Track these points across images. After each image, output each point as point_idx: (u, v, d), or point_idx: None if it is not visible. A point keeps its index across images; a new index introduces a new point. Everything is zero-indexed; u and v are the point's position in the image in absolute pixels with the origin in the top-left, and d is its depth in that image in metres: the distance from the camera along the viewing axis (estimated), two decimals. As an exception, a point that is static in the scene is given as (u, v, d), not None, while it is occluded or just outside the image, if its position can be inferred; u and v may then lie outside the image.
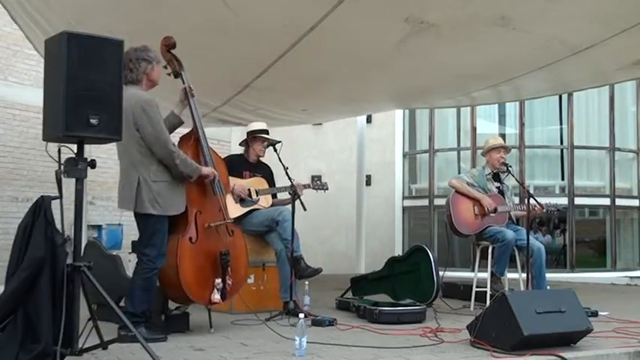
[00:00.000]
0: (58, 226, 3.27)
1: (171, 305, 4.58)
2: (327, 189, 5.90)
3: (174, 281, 4.21)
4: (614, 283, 10.00)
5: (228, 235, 4.47)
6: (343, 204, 12.87)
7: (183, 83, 4.45)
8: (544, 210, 5.78)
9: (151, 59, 4.23)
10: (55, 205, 3.23)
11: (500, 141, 6.20)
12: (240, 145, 5.96)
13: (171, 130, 4.39)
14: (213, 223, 4.37)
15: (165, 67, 4.44)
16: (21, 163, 10.37)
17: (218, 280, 4.28)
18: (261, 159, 5.83)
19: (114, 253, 5.47)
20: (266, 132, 5.77)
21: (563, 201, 12.56)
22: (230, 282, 4.34)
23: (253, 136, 5.74)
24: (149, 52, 4.24)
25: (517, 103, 12.55)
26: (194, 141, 4.45)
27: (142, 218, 4.14)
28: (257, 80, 7.04)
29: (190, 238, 4.27)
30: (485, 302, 5.52)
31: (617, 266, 13.34)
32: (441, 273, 5.96)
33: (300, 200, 5.29)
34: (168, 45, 4.40)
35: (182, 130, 4.57)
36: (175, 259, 4.19)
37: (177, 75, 4.48)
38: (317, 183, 5.91)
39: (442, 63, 6.67)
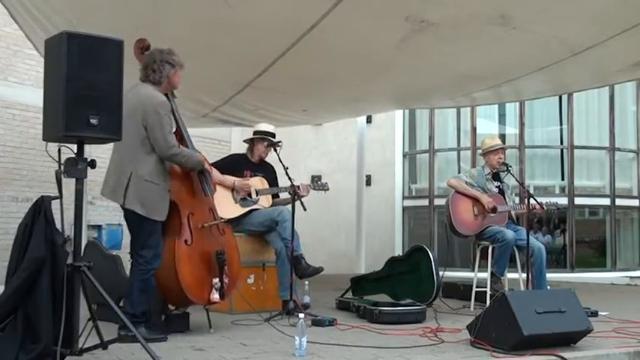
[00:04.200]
0: (58, 226, 3.27)
1: (171, 305, 4.57)
2: (327, 189, 5.89)
3: (174, 285, 4.20)
4: (614, 283, 9.99)
5: (220, 235, 4.48)
6: (343, 204, 12.87)
7: None
8: (544, 209, 5.78)
9: (174, 63, 4.26)
10: (55, 205, 3.23)
11: (497, 141, 6.20)
12: (244, 142, 5.95)
13: None
14: (207, 223, 4.38)
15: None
16: (21, 163, 10.36)
17: (215, 280, 4.29)
18: (263, 159, 5.84)
19: (114, 253, 5.46)
20: (272, 135, 5.77)
21: (563, 201, 12.55)
22: (227, 280, 4.35)
23: (258, 137, 5.74)
24: (174, 56, 4.26)
25: (517, 103, 12.54)
26: (179, 140, 4.41)
27: (135, 218, 4.11)
28: (257, 80, 7.04)
29: (186, 241, 4.27)
30: (486, 302, 5.52)
31: (617, 266, 13.32)
32: (440, 273, 5.96)
33: (301, 200, 5.28)
34: (143, 48, 4.38)
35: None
36: (173, 263, 4.18)
37: None
38: (317, 184, 5.90)
39: (442, 63, 6.67)
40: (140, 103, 4.04)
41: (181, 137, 4.42)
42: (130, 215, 4.14)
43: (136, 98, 4.05)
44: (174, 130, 4.35)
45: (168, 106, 4.19)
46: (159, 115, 4.08)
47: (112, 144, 4.14)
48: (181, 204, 4.31)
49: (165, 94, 4.37)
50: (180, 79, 4.33)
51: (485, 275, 5.80)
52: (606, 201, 13.51)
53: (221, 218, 4.60)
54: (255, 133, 5.81)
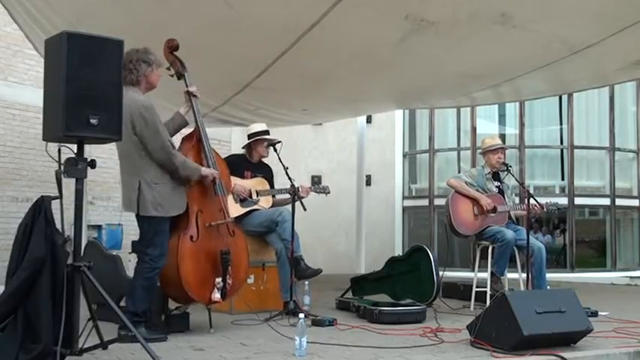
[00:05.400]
0: (58, 226, 3.27)
1: (171, 305, 4.58)
2: (328, 192, 5.89)
3: (175, 280, 4.21)
4: (614, 283, 10.00)
5: (229, 235, 4.48)
6: (343, 204, 12.87)
7: (187, 85, 4.48)
8: (544, 209, 5.78)
9: (151, 62, 4.23)
10: (55, 205, 3.23)
11: (497, 141, 6.19)
12: (242, 148, 5.96)
13: (177, 131, 4.44)
14: (214, 222, 4.39)
15: (169, 69, 4.48)
16: (21, 163, 10.36)
17: (218, 280, 4.29)
18: (262, 159, 5.84)
19: (114, 253, 5.46)
20: (267, 132, 5.78)
21: (563, 201, 12.56)
22: (230, 281, 4.35)
23: (256, 139, 5.74)
24: (150, 54, 4.24)
25: (517, 103, 12.55)
26: (196, 141, 4.48)
27: (144, 220, 4.15)
28: (257, 80, 7.04)
29: (191, 237, 4.28)
30: (485, 302, 5.52)
31: (617, 266, 13.34)
32: (440, 273, 5.96)
33: (301, 201, 5.29)
34: (172, 47, 4.46)
35: (184, 131, 4.58)
36: (176, 257, 4.20)
37: (180, 77, 4.54)
38: (318, 187, 5.89)
39: (442, 62, 6.67)
40: (126, 112, 4.01)
41: (199, 138, 4.44)
42: (141, 219, 4.16)
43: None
44: (192, 129, 4.37)
45: (151, 104, 4.17)
46: (144, 118, 4.09)
47: (116, 152, 4.20)
48: (191, 200, 4.33)
49: (187, 93, 4.40)
50: (158, 78, 4.32)
51: (485, 275, 5.80)
52: (606, 201, 13.52)
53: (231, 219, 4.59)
54: (250, 135, 5.80)
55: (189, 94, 4.46)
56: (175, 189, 4.22)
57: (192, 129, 4.55)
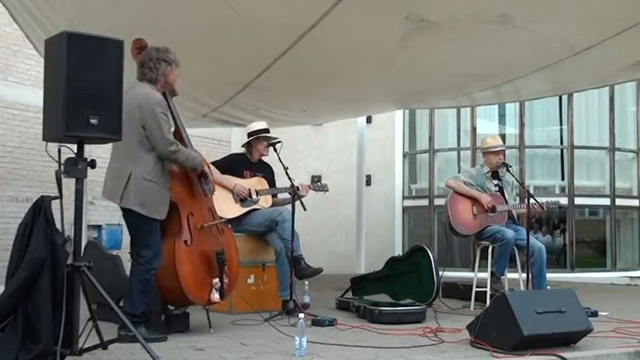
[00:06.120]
0: (58, 226, 3.27)
1: (171, 305, 4.57)
2: (327, 190, 5.89)
3: (174, 285, 4.20)
4: (614, 283, 9.99)
5: (219, 234, 4.48)
6: (343, 204, 12.87)
7: None
8: (544, 209, 5.78)
9: (171, 61, 4.24)
10: (55, 205, 3.23)
11: (499, 142, 6.18)
12: (242, 147, 5.95)
13: None
14: (206, 223, 4.38)
15: None
16: (21, 163, 10.36)
17: (215, 280, 4.29)
18: (262, 158, 5.84)
19: (114, 253, 5.46)
20: (267, 131, 5.78)
21: (564, 201, 12.56)
22: (226, 280, 4.35)
23: (257, 137, 5.73)
24: (170, 53, 4.25)
25: (517, 103, 12.55)
26: (178, 140, 4.42)
27: (135, 218, 4.10)
28: (257, 80, 7.03)
29: (185, 241, 4.27)
30: (486, 302, 5.52)
31: (617, 266, 13.33)
32: (440, 273, 5.96)
33: (301, 200, 5.29)
34: (140, 48, 4.38)
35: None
36: (174, 265, 4.18)
37: None
38: (317, 185, 5.89)
39: (442, 63, 6.67)
40: (137, 104, 4.03)
41: (181, 137, 4.42)
42: (129, 215, 4.12)
43: (133, 98, 4.02)
44: (172, 129, 4.36)
45: (165, 104, 4.18)
46: (156, 114, 4.07)
47: (111, 145, 4.17)
48: (181, 204, 4.31)
49: (163, 94, 4.36)
50: (176, 77, 4.32)
51: (485, 275, 5.80)
52: (606, 201, 13.51)
53: (221, 218, 4.61)
54: (251, 134, 5.80)
55: (164, 94, 4.37)
56: (162, 192, 4.16)
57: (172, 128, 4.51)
